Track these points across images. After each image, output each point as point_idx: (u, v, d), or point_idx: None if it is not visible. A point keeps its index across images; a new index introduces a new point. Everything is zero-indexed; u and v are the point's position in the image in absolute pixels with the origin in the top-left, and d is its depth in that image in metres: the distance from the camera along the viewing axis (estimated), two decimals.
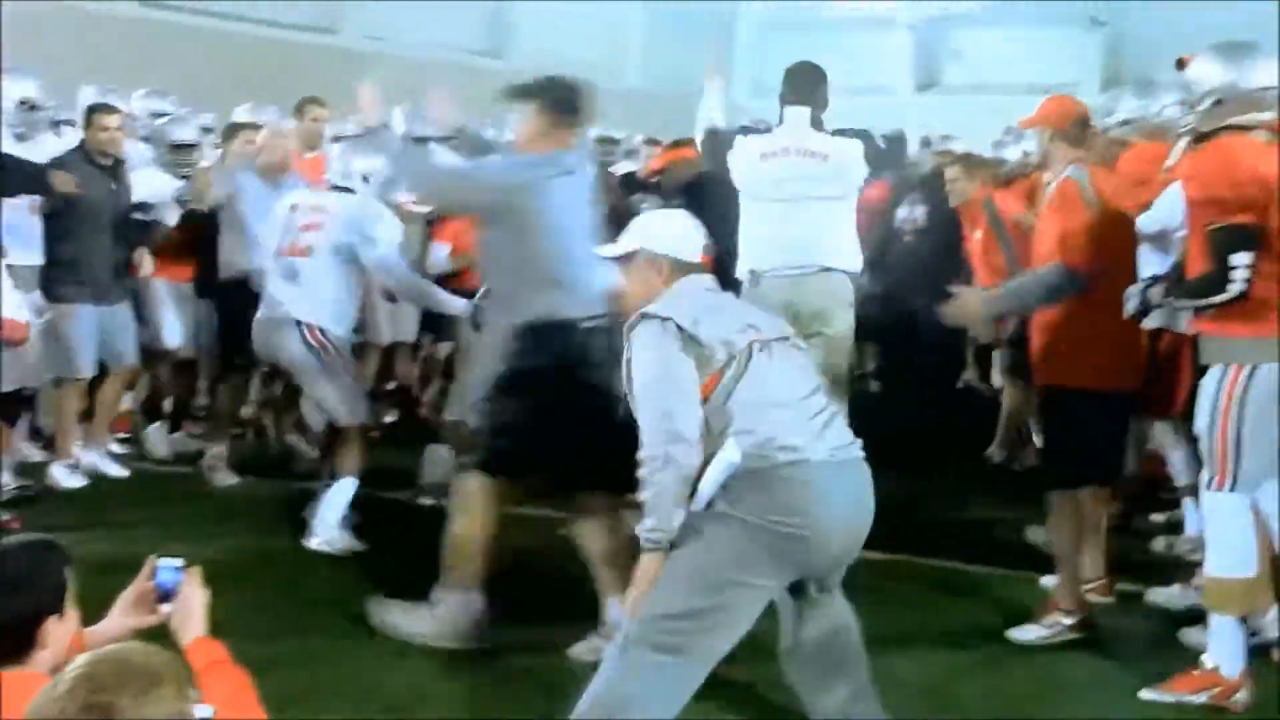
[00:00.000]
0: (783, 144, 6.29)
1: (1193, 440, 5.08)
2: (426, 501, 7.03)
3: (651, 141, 10.52)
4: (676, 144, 8.82)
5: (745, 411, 3.82)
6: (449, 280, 7.93)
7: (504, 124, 10.84)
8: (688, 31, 24.57)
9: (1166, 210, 5.64)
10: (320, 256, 6.73)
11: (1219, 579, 4.79)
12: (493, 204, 5.19)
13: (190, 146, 8.59)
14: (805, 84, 6.35)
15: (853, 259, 6.28)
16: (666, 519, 3.79)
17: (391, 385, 9.93)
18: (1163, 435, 6.41)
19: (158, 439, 8.63)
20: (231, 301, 7.65)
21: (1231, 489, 4.70)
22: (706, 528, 3.80)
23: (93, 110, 7.95)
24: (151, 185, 8.23)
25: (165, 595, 3.03)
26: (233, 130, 8.46)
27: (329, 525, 6.61)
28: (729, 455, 3.77)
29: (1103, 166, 5.82)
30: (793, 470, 3.76)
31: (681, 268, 4.15)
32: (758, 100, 25.06)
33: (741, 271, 6.24)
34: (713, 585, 3.77)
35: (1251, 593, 4.84)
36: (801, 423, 3.85)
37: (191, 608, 3.01)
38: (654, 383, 3.86)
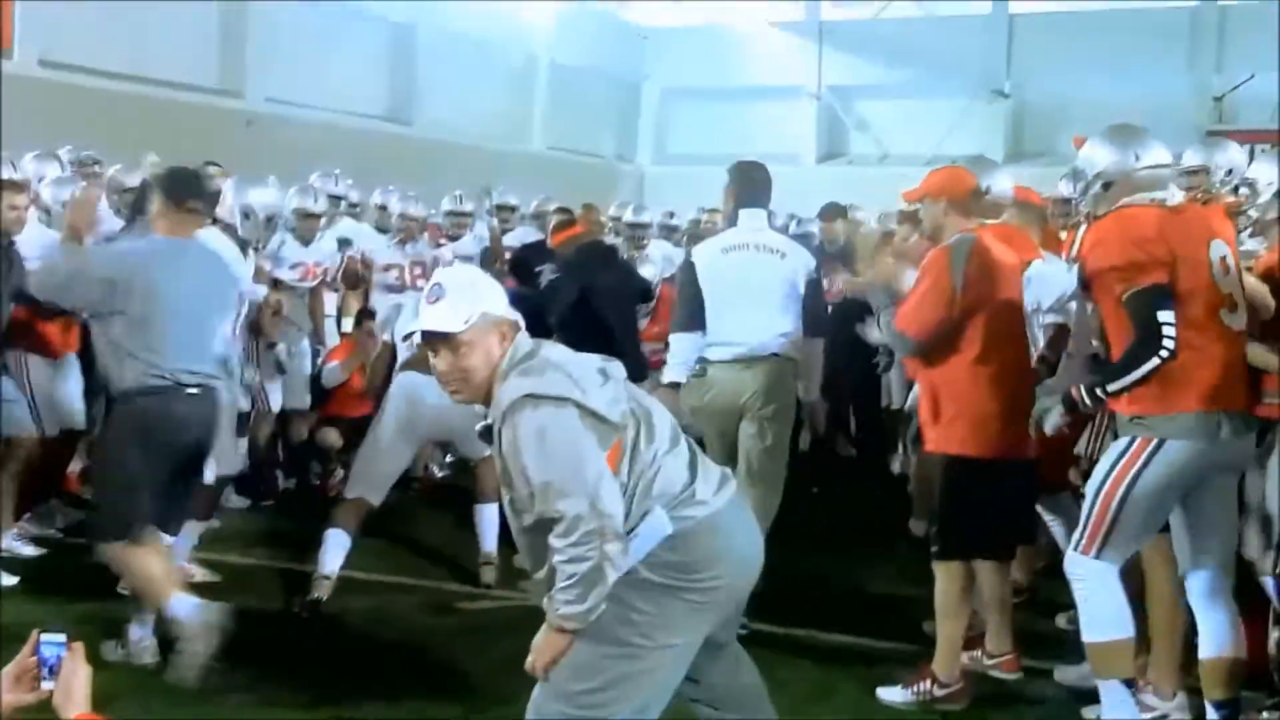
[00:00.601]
0: (743, 240, 6.58)
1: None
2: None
3: (562, 209, 10.61)
4: (563, 223, 8.92)
5: (646, 475, 3.69)
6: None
7: (408, 190, 11.08)
8: (592, 96, 24.88)
9: (1030, 293, 5.79)
10: None
11: (1096, 643, 4.84)
12: (101, 295, 5.59)
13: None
14: (761, 187, 6.72)
15: (797, 346, 6.60)
16: (584, 604, 3.55)
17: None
18: (1052, 507, 6.42)
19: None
20: None
21: (1096, 556, 4.76)
22: (626, 595, 3.67)
23: None
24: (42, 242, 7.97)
25: (48, 671, 2.96)
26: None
27: None
28: (659, 525, 3.65)
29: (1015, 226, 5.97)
30: (707, 523, 3.71)
31: (515, 327, 3.81)
32: (661, 167, 25.47)
33: (689, 360, 6.50)
34: (635, 653, 3.68)
35: (1130, 654, 4.89)
36: (692, 468, 3.78)
37: (73, 684, 2.95)
38: (571, 471, 3.52)
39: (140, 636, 5.75)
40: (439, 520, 8.54)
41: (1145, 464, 4.65)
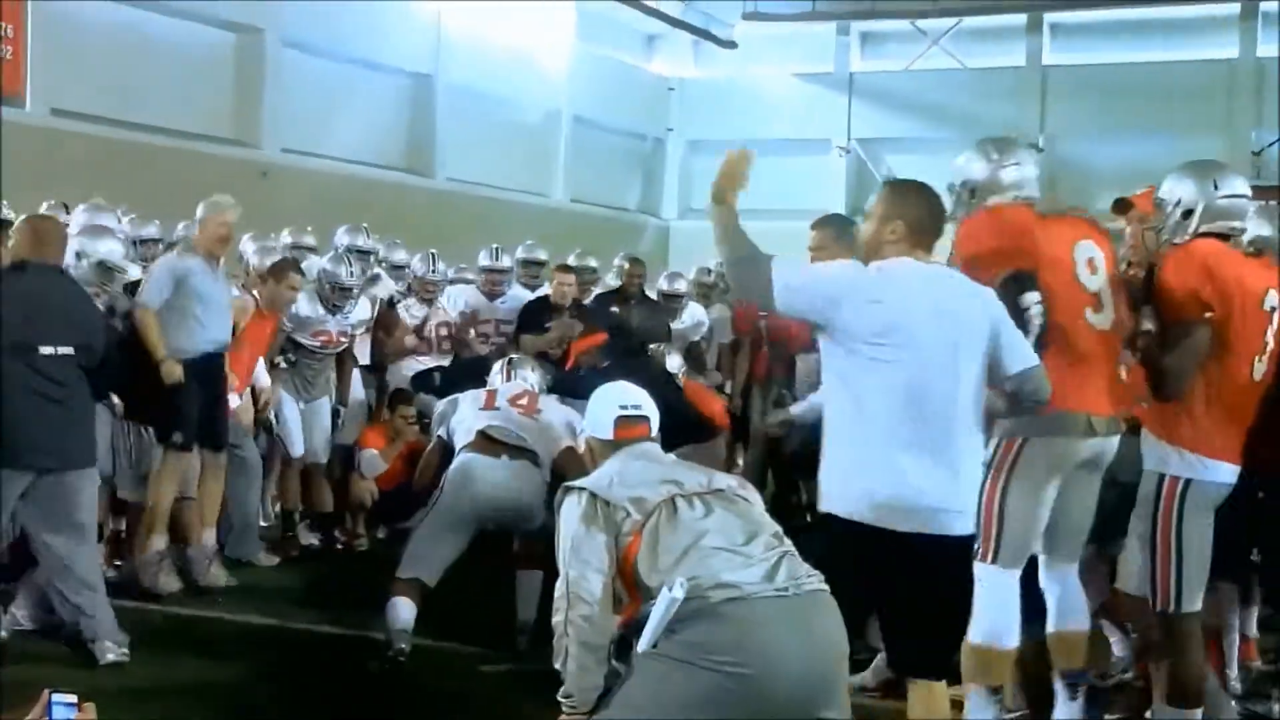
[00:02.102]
0: None
1: None
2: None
3: (563, 267, 10.63)
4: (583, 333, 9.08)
5: (678, 558, 3.94)
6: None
7: (430, 246, 11.10)
8: (615, 149, 25.04)
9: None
10: None
11: (979, 647, 4.90)
12: None
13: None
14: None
15: None
16: (576, 685, 4.01)
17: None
18: None
19: None
20: None
21: (993, 561, 4.92)
22: (647, 668, 3.87)
23: None
24: None
25: None
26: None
27: None
28: (673, 593, 3.85)
29: None
30: (731, 607, 3.82)
31: (607, 444, 4.51)
32: (686, 221, 25.54)
33: None
34: None
35: (1006, 665, 5.01)
36: (740, 564, 3.94)
37: None
38: (568, 553, 4.10)
39: None
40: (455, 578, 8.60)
41: (1012, 464, 4.92)
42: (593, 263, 11.84)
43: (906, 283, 4.42)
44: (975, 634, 4.86)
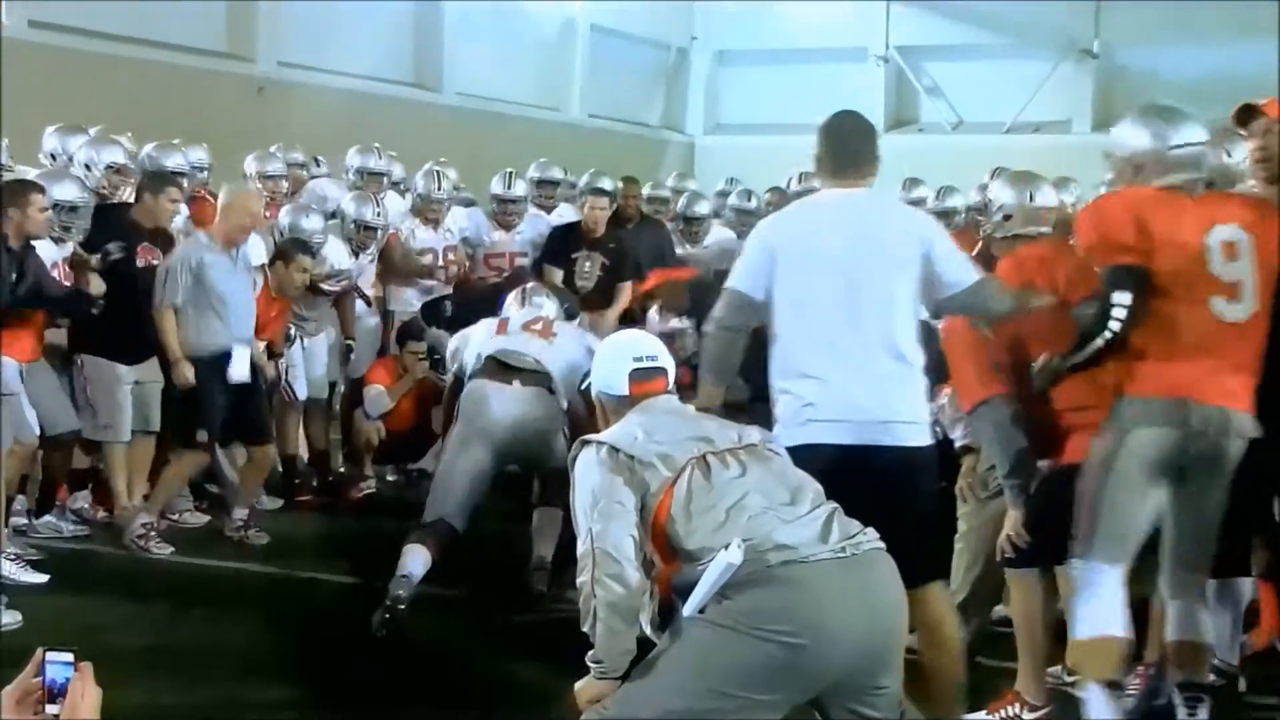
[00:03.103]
0: None
1: None
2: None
3: (597, 190, 10.42)
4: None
5: (721, 521, 3.87)
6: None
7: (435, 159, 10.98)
8: (636, 61, 24.83)
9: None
10: None
11: (1087, 640, 4.98)
12: None
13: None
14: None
15: None
16: (606, 650, 3.93)
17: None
18: None
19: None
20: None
21: (1091, 557, 4.95)
22: (692, 635, 3.82)
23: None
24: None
25: (53, 693, 2.97)
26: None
27: None
28: (729, 556, 3.77)
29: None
30: (788, 571, 3.77)
31: (621, 401, 4.40)
32: (712, 137, 25.38)
33: None
34: (700, 694, 3.77)
35: (1117, 654, 5.01)
36: (791, 524, 3.88)
37: (81, 709, 2.96)
38: (587, 508, 4.01)
39: None
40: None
41: (1111, 456, 4.93)
42: (689, 184, 11.76)
43: (801, 215, 5.29)
44: (1080, 629, 4.99)
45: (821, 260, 4.97)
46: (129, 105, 12.82)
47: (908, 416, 4.95)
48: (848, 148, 5.17)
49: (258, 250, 8.74)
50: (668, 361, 4.51)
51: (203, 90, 15.36)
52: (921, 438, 4.99)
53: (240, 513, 8.49)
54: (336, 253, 9.29)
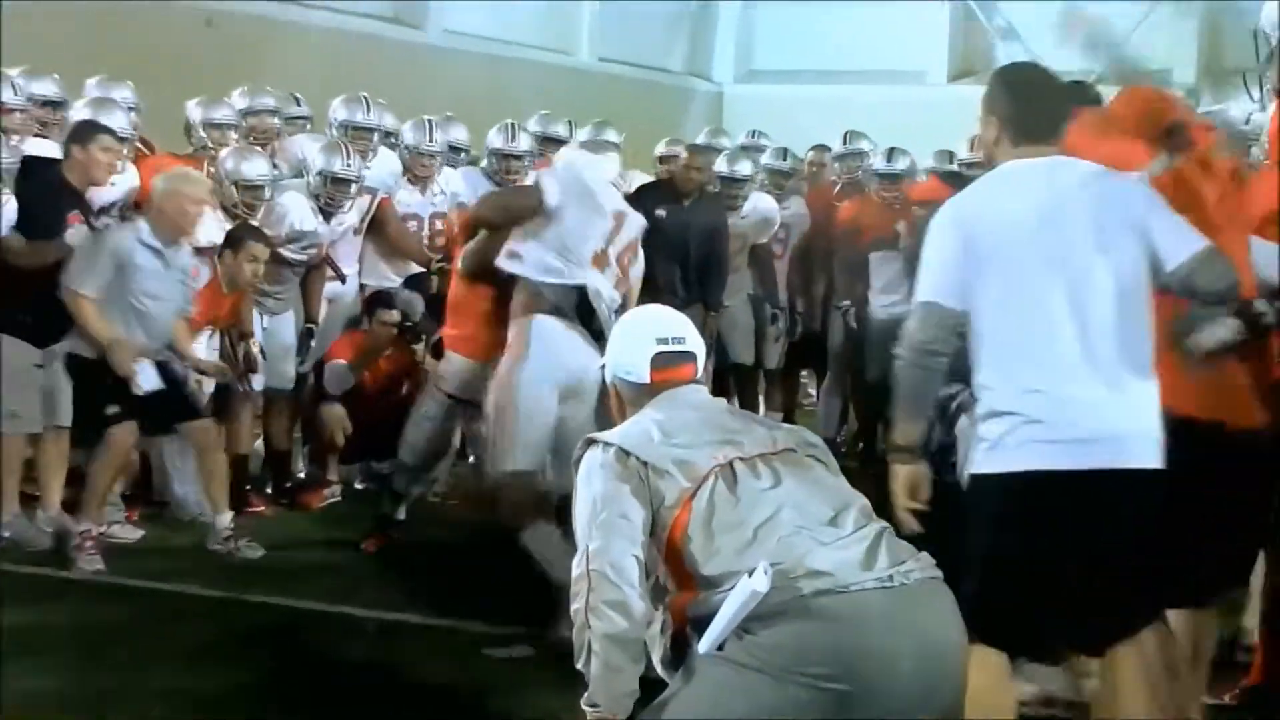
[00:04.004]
0: None
1: None
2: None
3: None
4: None
5: (748, 540, 3.82)
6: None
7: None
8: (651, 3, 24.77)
9: None
10: None
11: None
12: None
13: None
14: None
15: None
16: (604, 691, 3.88)
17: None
18: None
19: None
20: None
21: None
22: (714, 673, 3.77)
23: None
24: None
25: None
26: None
27: None
28: (754, 583, 3.71)
29: None
30: (824, 602, 3.71)
31: (641, 390, 4.36)
32: (743, 85, 25.32)
33: None
34: None
35: None
36: (830, 547, 3.82)
37: None
38: (587, 521, 3.99)
39: None
40: (451, 542, 8.59)
41: None
42: (725, 141, 11.68)
43: (993, 196, 4.89)
44: None
45: (1032, 248, 4.78)
46: (62, 42, 12.79)
47: (1148, 433, 4.78)
48: (1045, 105, 4.99)
49: (209, 229, 8.70)
50: (697, 345, 4.45)
51: (147, 25, 15.27)
52: (1158, 459, 4.79)
53: (223, 520, 8.51)
54: (299, 209, 9.22)
